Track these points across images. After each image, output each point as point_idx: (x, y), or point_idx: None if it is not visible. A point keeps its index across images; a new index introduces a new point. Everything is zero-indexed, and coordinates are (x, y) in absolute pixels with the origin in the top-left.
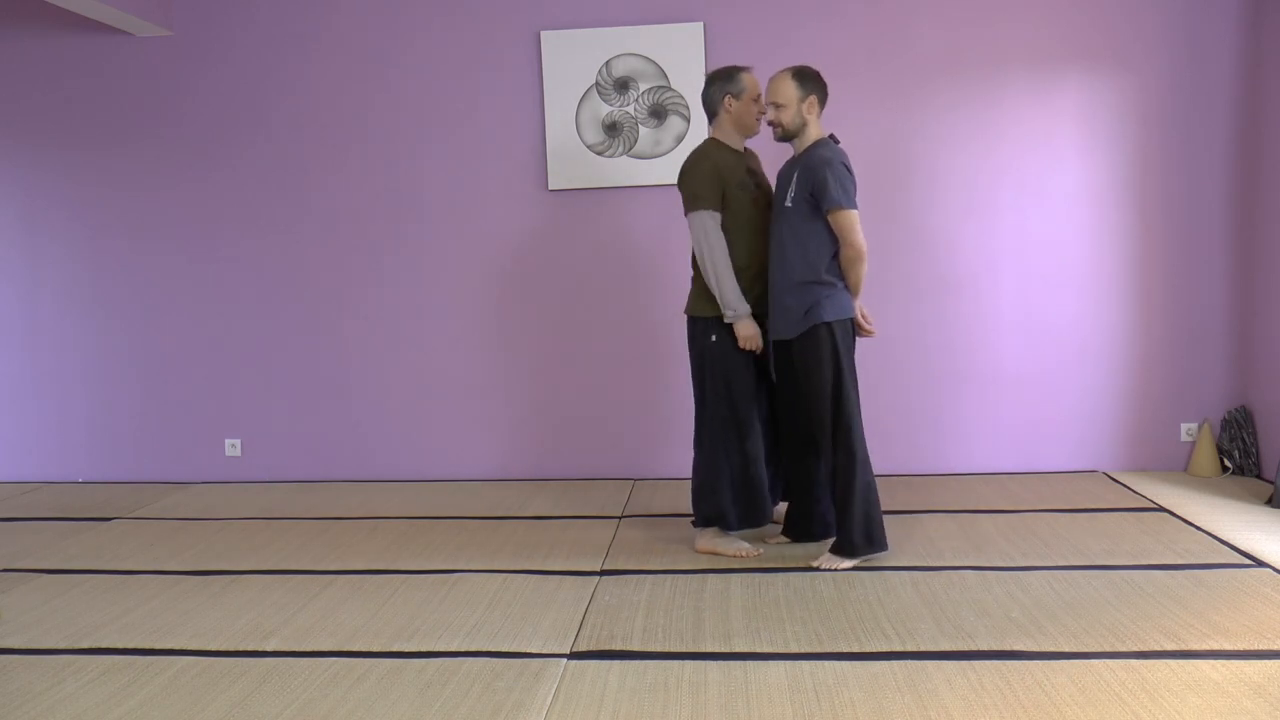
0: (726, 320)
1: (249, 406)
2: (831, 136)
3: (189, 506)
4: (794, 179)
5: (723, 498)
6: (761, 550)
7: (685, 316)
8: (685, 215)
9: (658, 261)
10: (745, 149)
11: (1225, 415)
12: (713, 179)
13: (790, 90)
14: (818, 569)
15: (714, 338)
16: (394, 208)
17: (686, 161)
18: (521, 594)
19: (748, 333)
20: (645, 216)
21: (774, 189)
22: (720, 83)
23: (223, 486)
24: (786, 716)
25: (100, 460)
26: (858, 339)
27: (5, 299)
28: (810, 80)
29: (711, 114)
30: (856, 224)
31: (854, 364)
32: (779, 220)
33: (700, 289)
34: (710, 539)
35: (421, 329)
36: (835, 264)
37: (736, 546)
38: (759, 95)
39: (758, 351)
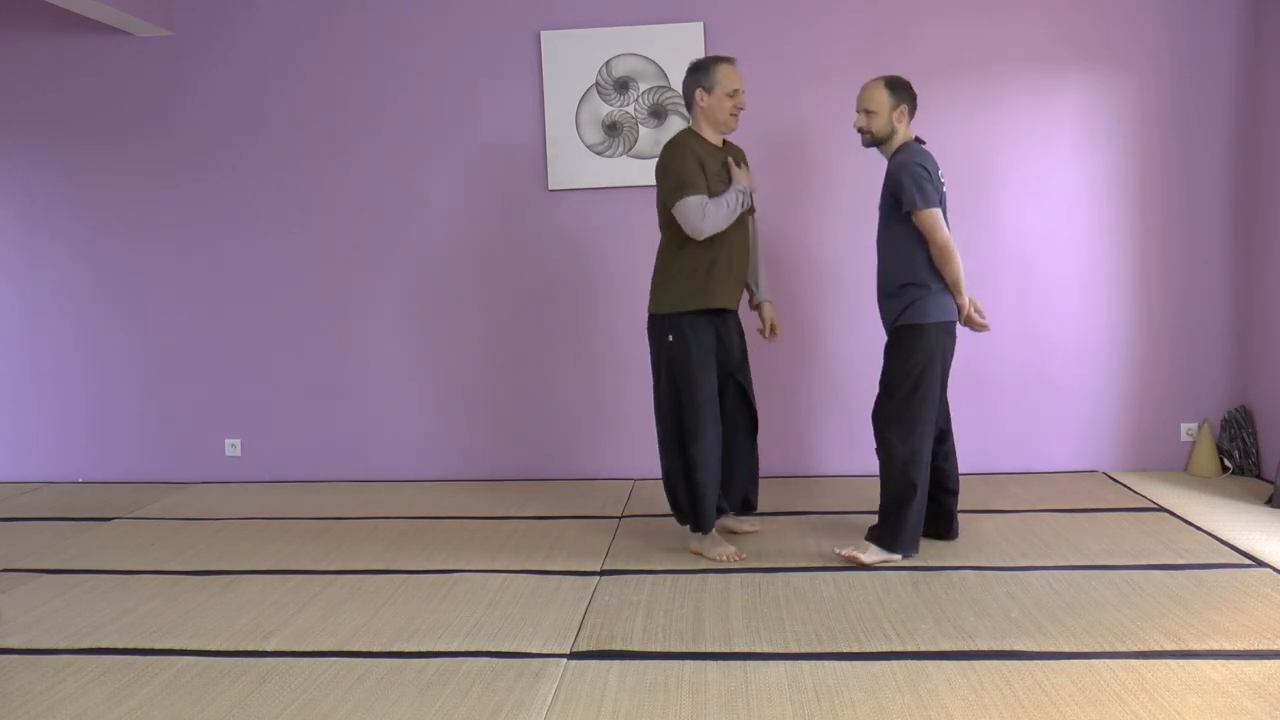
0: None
1: (249, 406)
2: (917, 139)
3: (189, 506)
4: (882, 185)
5: (679, 499)
6: (745, 555)
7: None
8: (670, 207)
9: None
10: (725, 143)
11: (1225, 415)
12: (695, 166)
13: (882, 98)
14: (858, 561)
15: (670, 338)
16: (394, 207)
17: (664, 152)
18: (521, 594)
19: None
20: (645, 216)
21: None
22: (693, 75)
23: (223, 486)
24: (786, 716)
25: (100, 460)
26: (978, 335)
27: (5, 299)
28: (902, 89)
29: (687, 106)
30: (937, 222)
31: (944, 368)
32: (879, 226)
33: (661, 286)
34: (697, 541)
35: (422, 329)
36: (929, 266)
37: (718, 551)
38: (735, 89)
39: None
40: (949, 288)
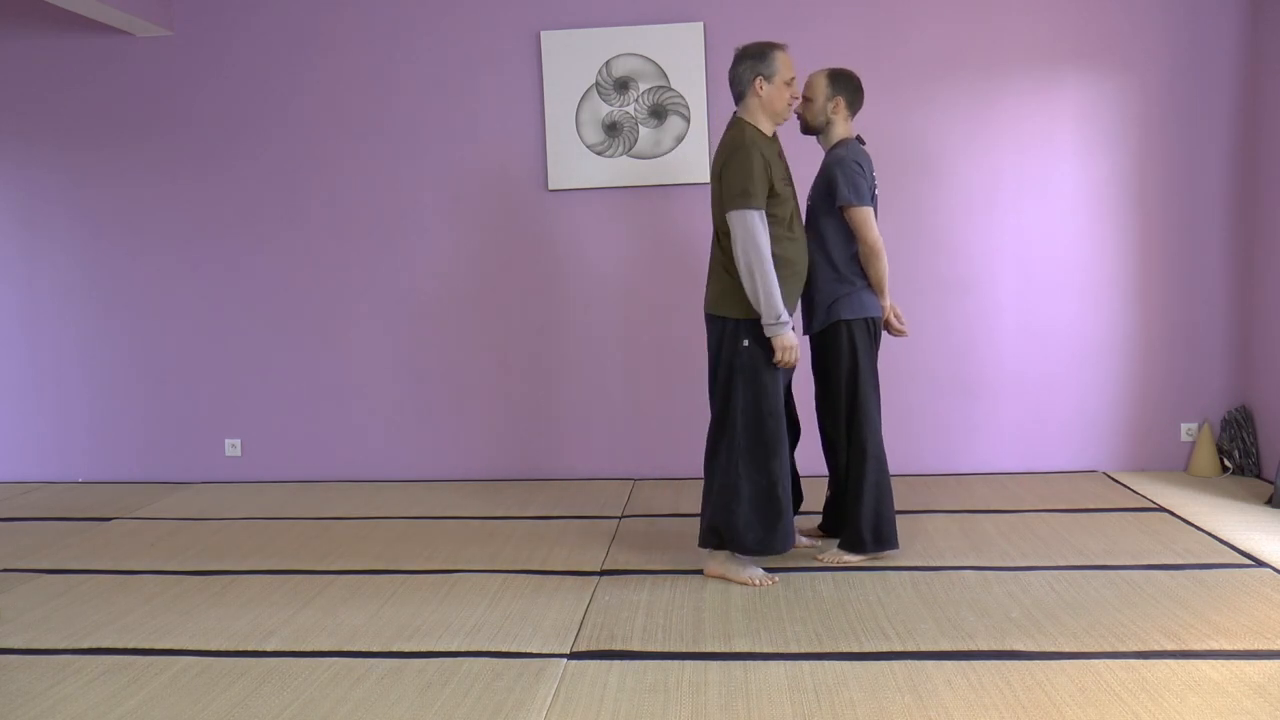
0: (767, 334)
1: (249, 406)
2: (858, 138)
3: (189, 506)
4: (815, 178)
5: (738, 520)
6: (776, 579)
7: (705, 315)
8: (726, 211)
9: (658, 261)
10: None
11: (1225, 415)
12: (763, 175)
13: (820, 87)
14: (821, 563)
15: (746, 343)
16: (394, 208)
17: (728, 150)
18: (521, 594)
19: (788, 343)
20: (646, 216)
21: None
22: (751, 61)
23: (223, 486)
24: (786, 716)
25: (100, 460)
26: (893, 338)
27: (5, 299)
28: (841, 82)
29: (739, 95)
30: (869, 220)
31: (874, 363)
32: (809, 219)
33: (732, 286)
34: (721, 563)
35: (421, 329)
36: (855, 262)
37: (749, 573)
38: (793, 78)
39: (793, 364)
40: (872, 286)
